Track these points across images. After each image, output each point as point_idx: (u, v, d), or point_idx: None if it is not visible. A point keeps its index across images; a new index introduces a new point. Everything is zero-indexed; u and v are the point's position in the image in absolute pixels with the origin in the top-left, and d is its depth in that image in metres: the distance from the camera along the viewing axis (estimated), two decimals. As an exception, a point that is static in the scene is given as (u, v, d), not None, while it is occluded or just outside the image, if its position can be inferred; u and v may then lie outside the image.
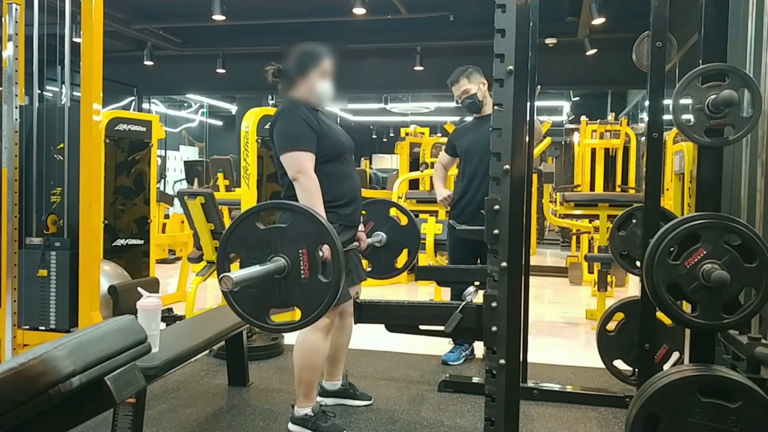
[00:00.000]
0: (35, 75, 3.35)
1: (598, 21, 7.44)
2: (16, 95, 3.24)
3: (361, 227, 2.74)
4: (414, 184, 6.98)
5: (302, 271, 1.66)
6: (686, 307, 1.88)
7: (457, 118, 11.89)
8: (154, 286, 3.79)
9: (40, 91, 3.45)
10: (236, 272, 1.54)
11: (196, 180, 9.19)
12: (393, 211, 3.00)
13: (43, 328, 3.20)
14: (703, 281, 1.74)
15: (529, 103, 2.80)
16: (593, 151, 7.70)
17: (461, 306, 1.92)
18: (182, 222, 6.89)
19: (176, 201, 7.24)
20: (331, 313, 2.39)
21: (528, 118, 2.87)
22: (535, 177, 7.72)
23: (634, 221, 2.75)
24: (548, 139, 6.70)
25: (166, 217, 8.13)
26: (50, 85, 7.65)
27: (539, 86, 3.15)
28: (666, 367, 2.52)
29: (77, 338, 1.34)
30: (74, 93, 3.77)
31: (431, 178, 3.99)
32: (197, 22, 9.42)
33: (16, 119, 3.25)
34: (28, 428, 1.30)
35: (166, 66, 11.21)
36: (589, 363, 3.56)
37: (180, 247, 6.11)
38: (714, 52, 1.99)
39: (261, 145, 4.50)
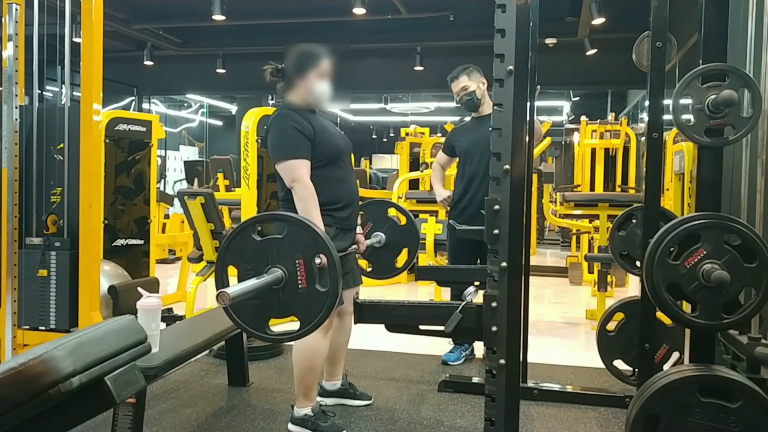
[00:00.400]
0: (35, 75, 3.35)
1: (598, 21, 7.45)
2: (16, 95, 3.24)
3: (359, 229, 2.74)
4: (414, 184, 6.98)
5: (299, 281, 1.67)
6: (686, 307, 1.88)
7: (457, 118, 11.88)
8: (154, 286, 3.79)
9: (40, 91, 3.45)
10: (233, 287, 1.55)
11: (196, 180, 9.18)
12: (392, 212, 3.00)
13: (43, 328, 3.20)
14: (703, 281, 1.74)
15: (529, 103, 2.80)
16: (593, 151, 7.70)
17: (461, 306, 1.92)
18: (182, 222, 6.89)
19: (176, 201, 7.24)
20: (330, 313, 2.39)
21: (528, 118, 2.87)
22: (535, 177, 7.72)
23: (634, 221, 2.75)
24: (548, 139, 6.70)
25: (166, 217, 8.13)
26: (50, 85, 7.64)
27: (539, 86, 3.14)
28: (666, 367, 2.52)
29: (77, 338, 1.34)
30: (74, 93, 3.77)
31: (431, 178, 3.98)
32: (197, 22, 9.43)
33: (16, 119, 3.25)
34: (28, 428, 1.30)
35: (166, 66, 11.22)
36: (589, 363, 3.55)
37: (180, 247, 6.11)
38: (714, 52, 1.99)
39: (261, 145, 4.50)
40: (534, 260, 5.86)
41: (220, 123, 17.70)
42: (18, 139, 3.25)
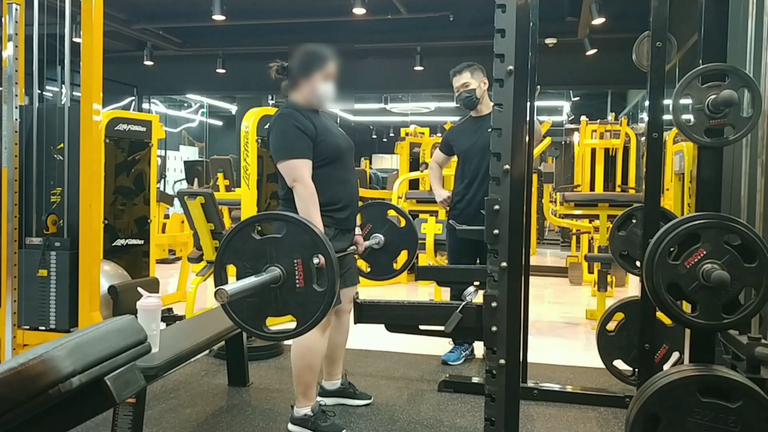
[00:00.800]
0: (35, 75, 3.35)
1: (598, 21, 7.44)
2: (16, 95, 3.24)
3: (358, 230, 2.75)
4: (414, 184, 6.98)
5: (297, 281, 1.68)
6: (686, 307, 1.88)
7: (457, 118, 11.86)
8: (154, 286, 3.79)
9: (40, 91, 3.45)
10: (231, 285, 1.56)
11: (196, 180, 9.18)
12: (391, 212, 3.00)
13: (43, 328, 3.20)
14: (703, 281, 1.74)
15: (529, 103, 2.80)
16: (593, 151, 7.70)
17: (461, 306, 1.92)
18: (182, 222, 6.89)
19: (176, 201, 7.24)
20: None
21: (528, 118, 2.87)
22: (535, 177, 7.72)
23: (634, 221, 2.75)
24: (548, 139, 6.70)
25: (166, 217, 8.13)
26: (50, 85, 7.64)
27: (539, 86, 3.14)
28: (666, 367, 2.52)
29: (77, 338, 1.34)
30: (74, 93, 3.77)
31: (429, 178, 3.98)
32: (197, 22, 9.43)
33: (16, 119, 3.25)
34: (28, 428, 1.30)
35: (166, 66, 11.22)
36: (589, 363, 3.55)
37: (180, 247, 6.10)
38: (714, 52, 1.99)
39: (261, 145, 4.50)
40: (534, 260, 5.86)
41: (220, 123, 17.70)
42: (18, 139, 3.25)
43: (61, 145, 3.24)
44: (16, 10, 3.23)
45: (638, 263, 2.63)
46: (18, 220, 3.23)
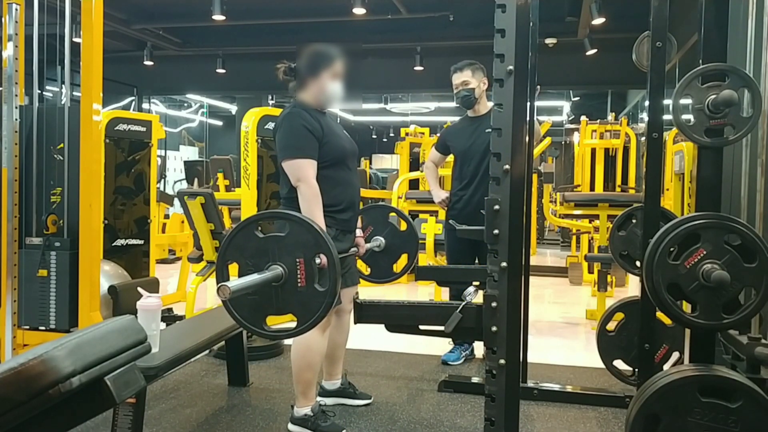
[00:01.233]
0: (35, 75, 3.35)
1: (598, 21, 7.44)
2: (16, 95, 3.24)
3: (360, 232, 2.75)
4: (414, 183, 6.98)
5: (299, 280, 1.68)
6: (686, 307, 1.88)
7: (457, 118, 11.88)
8: (154, 286, 3.79)
9: (40, 91, 3.45)
10: (233, 281, 1.57)
11: (196, 180, 9.19)
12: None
13: (43, 328, 3.20)
14: (703, 281, 1.74)
15: (529, 103, 2.80)
16: (593, 151, 7.70)
17: (461, 306, 1.92)
18: (182, 222, 6.89)
19: (176, 201, 7.24)
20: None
21: (528, 118, 2.87)
22: (535, 177, 7.72)
23: (634, 221, 2.75)
24: (548, 139, 6.70)
25: (166, 217, 8.13)
26: (50, 85, 7.65)
27: (539, 86, 3.15)
28: (666, 367, 2.52)
29: (77, 338, 1.34)
30: (74, 93, 3.77)
31: (426, 177, 3.97)
32: (197, 22, 9.42)
33: (16, 119, 3.25)
34: (28, 428, 1.30)
35: (166, 66, 11.21)
36: (589, 363, 3.56)
37: (180, 247, 6.11)
38: (714, 52, 1.99)
39: (261, 145, 4.50)
40: (534, 260, 5.86)
41: (220, 123, 17.70)
42: (18, 139, 3.25)
43: (61, 145, 3.24)
44: (16, 10, 3.23)
45: (638, 263, 2.63)
46: (18, 220, 3.23)
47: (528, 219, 3.15)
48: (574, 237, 8.14)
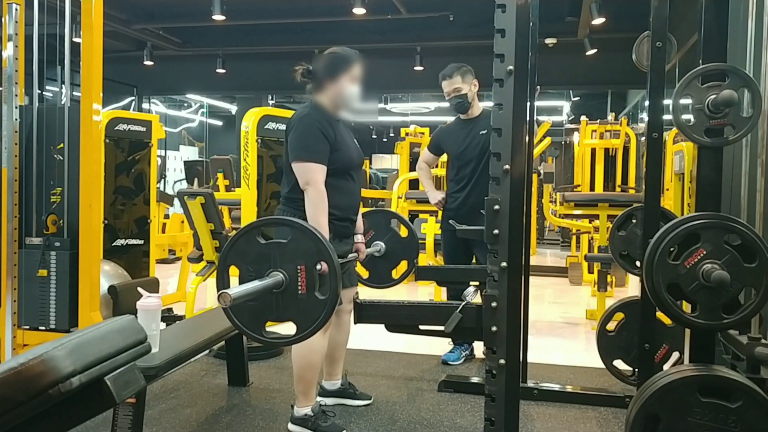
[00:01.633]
0: (35, 75, 3.35)
1: (598, 21, 7.44)
2: (16, 95, 3.24)
3: (361, 237, 2.75)
4: (414, 183, 6.97)
5: (299, 287, 1.67)
6: (686, 307, 1.88)
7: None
8: (154, 286, 3.79)
9: (40, 91, 3.45)
10: (234, 289, 1.56)
11: (196, 180, 9.19)
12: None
13: (43, 328, 3.20)
14: (703, 281, 1.74)
15: (529, 103, 2.80)
16: (593, 151, 7.70)
17: (461, 306, 1.92)
18: (182, 222, 6.88)
19: (176, 201, 7.24)
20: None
21: (528, 118, 2.87)
22: (535, 177, 7.72)
23: (634, 221, 2.75)
24: (548, 139, 6.71)
25: (166, 217, 8.13)
26: (50, 85, 7.65)
27: (539, 86, 3.15)
28: (666, 367, 2.52)
29: (77, 338, 1.34)
30: (74, 93, 3.77)
31: (420, 179, 3.97)
32: (197, 22, 9.42)
33: (16, 119, 3.25)
34: (28, 428, 1.30)
35: (166, 66, 11.21)
36: (589, 363, 3.55)
37: (180, 247, 6.10)
38: (714, 52, 1.99)
39: (261, 145, 4.49)
40: (534, 260, 5.86)
41: (220, 123, 17.69)
42: (18, 139, 3.25)
43: (61, 145, 3.24)
44: (16, 10, 3.23)
45: (638, 263, 2.63)
46: (18, 220, 3.23)
47: (528, 219, 3.16)
48: (574, 237, 8.14)
